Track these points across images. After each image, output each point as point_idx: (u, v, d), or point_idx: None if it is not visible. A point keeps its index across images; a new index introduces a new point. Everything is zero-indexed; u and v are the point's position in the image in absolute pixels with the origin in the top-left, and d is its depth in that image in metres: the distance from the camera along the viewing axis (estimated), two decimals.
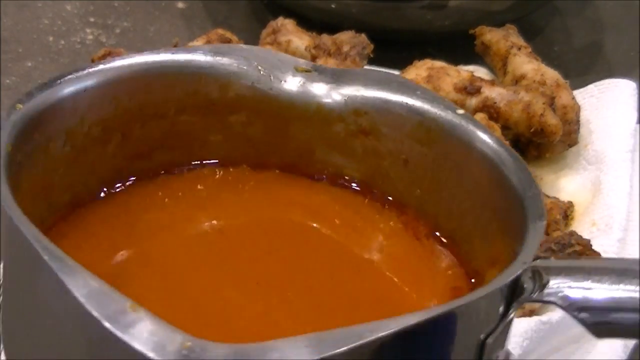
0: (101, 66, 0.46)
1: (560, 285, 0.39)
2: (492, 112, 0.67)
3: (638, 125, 0.72)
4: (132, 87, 0.47)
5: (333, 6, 0.85)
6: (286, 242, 0.49)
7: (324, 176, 0.51)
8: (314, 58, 0.70)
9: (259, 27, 0.77)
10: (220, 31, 0.76)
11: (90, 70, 0.46)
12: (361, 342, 0.33)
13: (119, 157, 0.48)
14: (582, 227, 0.64)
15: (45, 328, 0.37)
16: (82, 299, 0.33)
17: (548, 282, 0.39)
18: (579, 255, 0.59)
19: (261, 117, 0.50)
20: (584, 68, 0.91)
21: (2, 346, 0.43)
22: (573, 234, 0.60)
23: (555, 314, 0.55)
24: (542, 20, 0.97)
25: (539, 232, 0.40)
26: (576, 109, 0.70)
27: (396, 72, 0.72)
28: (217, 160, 0.51)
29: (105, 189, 0.48)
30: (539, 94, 0.68)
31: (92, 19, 0.96)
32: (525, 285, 0.39)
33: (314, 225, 0.50)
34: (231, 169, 0.51)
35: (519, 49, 0.74)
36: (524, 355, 0.55)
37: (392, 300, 0.46)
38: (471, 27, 0.78)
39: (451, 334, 0.37)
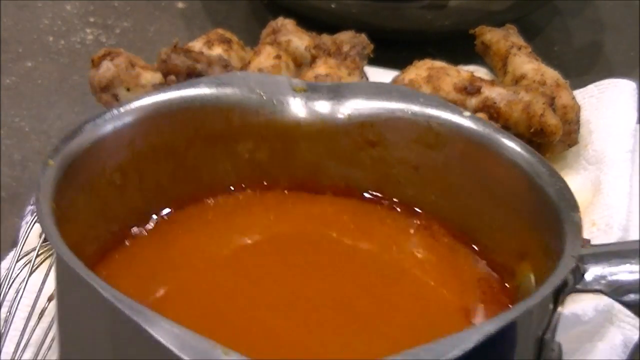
0: (115, 112, 0.47)
1: (601, 272, 0.39)
2: (492, 112, 0.67)
3: (638, 125, 0.72)
4: (145, 128, 0.48)
5: (333, 6, 0.85)
6: (310, 256, 0.49)
7: (333, 190, 0.52)
8: (314, 58, 0.70)
9: (259, 27, 0.77)
10: (220, 31, 0.75)
11: (106, 117, 0.47)
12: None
13: (137, 199, 0.49)
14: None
15: None
16: (174, 349, 0.33)
17: (586, 270, 0.39)
18: None
19: (267, 141, 0.51)
20: (584, 68, 0.91)
21: None
22: None
23: None
24: (542, 20, 0.97)
25: (577, 223, 0.41)
26: (576, 109, 0.70)
27: (396, 72, 0.72)
28: (228, 188, 0.51)
29: (126, 231, 0.49)
30: (539, 94, 0.68)
31: (92, 19, 0.96)
32: (568, 277, 0.40)
33: (333, 235, 0.50)
34: (240, 196, 0.51)
35: (519, 49, 0.74)
36: None
37: (426, 300, 0.47)
38: (471, 27, 0.78)
39: (517, 335, 0.38)
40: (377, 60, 0.73)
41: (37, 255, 0.53)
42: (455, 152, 0.48)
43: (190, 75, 0.69)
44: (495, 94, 0.68)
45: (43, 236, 0.54)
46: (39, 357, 0.53)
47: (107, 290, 0.36)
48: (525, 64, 0.72)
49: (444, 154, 0.49)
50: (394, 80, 0.71)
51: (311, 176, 0.52)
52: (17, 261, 0.53)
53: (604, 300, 0.43)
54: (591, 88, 0.75)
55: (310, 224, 0.51)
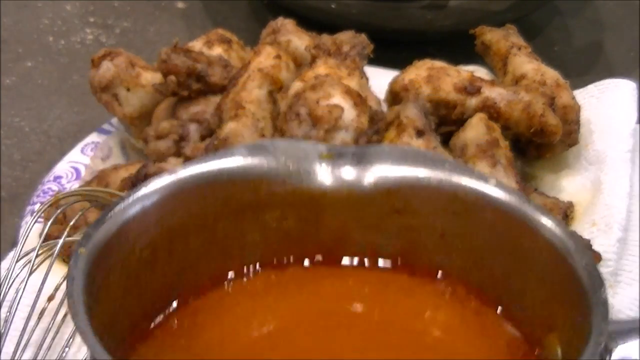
0: (143, 191, 0.47)
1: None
2: (492, 112, 0.67)
3: (638, 125, 0.72)
4: (173, 205, 0.48)
5: (333, 6, 0.85)
6: (339, 333, 0.49)
7: (355, 261, 0.52)
8: (314, 58, 0.70)
9: (259, 27, 0.77)
10: (220, 31, 0.76)
11: (134, 197, 0.46)
12: None
13: (168, 275, 0.49)
14: (582, 227, 0.64)
15: None
16: None
17: (614, 349, 0.40)
18: None
19: (295, 210, 0.51)
20: (584, 68, 0.91)
21: None
22: None
23: None
24: (542, 20, 0.97)
25: (605, 302, 0.41)
26: (576, 109, 0.70)
27: (396, 72, 0.72)
28: (252, 265, 0.51)
29: (160, 310, 0.48)
30: (539, 94, 0.67)
31: (92, 19, 0.96)
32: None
33: (360, 309, 0.50)
34: (261, 277, 0.51)
35: (519, 49, 0.74)
36: None
37: None
38: (471, 27, 0.78)
39: None
40: (377, 60, 0.73)
41: (37, 255, 0.53)
42: (482, 220, 0.48)
43: (190, 75, 0.69)
44: (496, 94, 0.68)
45: (43, 236, 0.54)
46: (39, 357, 0.53)
47: None
48: (525, 64, 0.72)
49: (470, 222, 0.49)
50: (394, 80, 0.70)
51: (339, 244, 0.52)
52: (17, 261, 0.53)
53: None
54: (591, 88, 0.75)
55: (334, 300, 0.51)
